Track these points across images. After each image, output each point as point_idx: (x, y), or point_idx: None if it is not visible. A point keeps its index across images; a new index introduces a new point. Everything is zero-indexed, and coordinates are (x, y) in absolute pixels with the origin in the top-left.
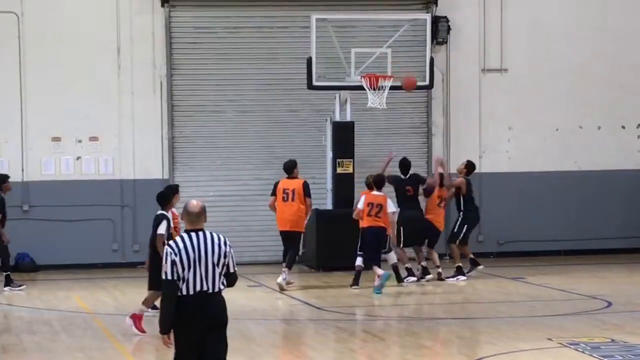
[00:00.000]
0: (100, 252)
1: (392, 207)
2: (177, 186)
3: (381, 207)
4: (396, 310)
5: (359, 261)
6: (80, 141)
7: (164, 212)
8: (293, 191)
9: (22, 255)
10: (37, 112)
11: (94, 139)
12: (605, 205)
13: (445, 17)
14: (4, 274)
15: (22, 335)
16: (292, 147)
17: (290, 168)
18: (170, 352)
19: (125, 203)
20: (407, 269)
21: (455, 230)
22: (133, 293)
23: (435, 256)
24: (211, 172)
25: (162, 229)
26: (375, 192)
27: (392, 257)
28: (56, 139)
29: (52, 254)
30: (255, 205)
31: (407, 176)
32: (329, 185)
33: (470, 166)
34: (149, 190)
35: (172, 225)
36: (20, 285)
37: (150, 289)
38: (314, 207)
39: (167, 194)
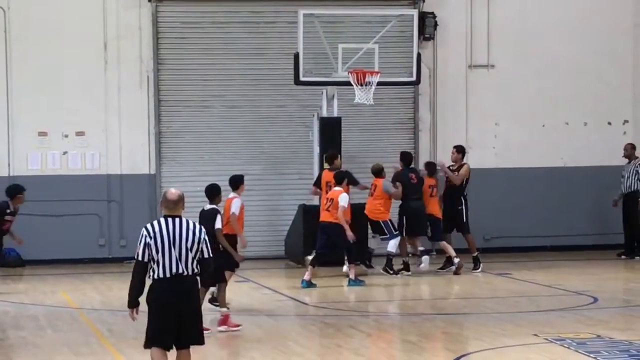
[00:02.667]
0: (87, 247)
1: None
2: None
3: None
4: (382, 305)
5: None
6: (66, 136)
7: (216, 207)
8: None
9: (8, 250)
10: (24, 107)
11: (80, 133)
12: (591, 201)
13: (433, 13)
14: None
15: (8, 330)
16: (279, 142)
17: (330, 158)
18: None
19: (112, 198)
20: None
21: (465, 220)
22: (119, 288)
23: (449, 248)
24: (198, 167)
25: (219, 223)
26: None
27: (392, 245)
28: (42, 134)
29: (38, 249)
30: (243, 200)
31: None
32: None
33: (463, 151)
34: (135, 185)
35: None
36: None
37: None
38: (300, 202)
39: (217, 189)
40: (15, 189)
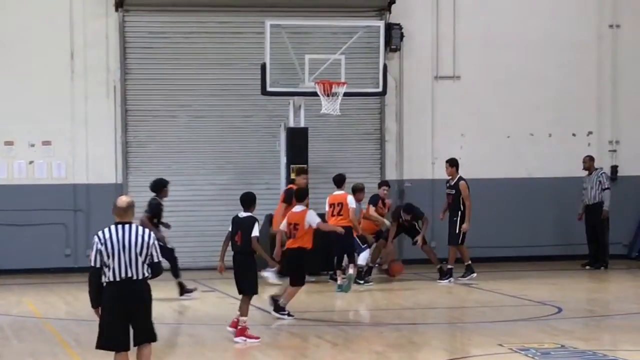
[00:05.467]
0: (53, 257)
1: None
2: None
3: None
4: (349, 315)
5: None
6: (33, 145)
7: (252, 215)
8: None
9: None
10: None
11: (46, 143)
12: (556, 212)
13: (399, 24)
14: None
15: None
16: (246, 152)
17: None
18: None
19: (78, 207)
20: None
21: (457, 231)
22: (85, 298)
23: (463, 256)
24: (165, 177)
25: (256, 231)
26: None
27: (362, 258)
28: (8, 143)
29: (4, 258)
30: (209, 211)
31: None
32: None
33: (457, 163)
34: (102, 194)
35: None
36: None
37: (241, 293)
38: (267, 212)
39: (253, 197)
40: (161, 183)
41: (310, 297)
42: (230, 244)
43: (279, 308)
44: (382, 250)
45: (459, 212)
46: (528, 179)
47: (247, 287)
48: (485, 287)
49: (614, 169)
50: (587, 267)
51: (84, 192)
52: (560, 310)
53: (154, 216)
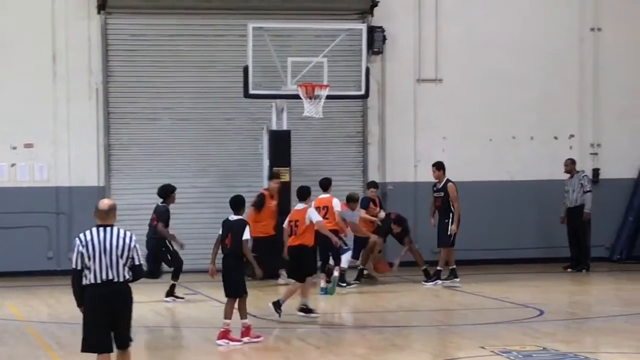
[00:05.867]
0: (35, 260)
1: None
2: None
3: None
4: (331, 318)
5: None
6: (14, 148)
7: (243, 218)
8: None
9: None
10: None
11: (29, 145)
12: (538, 215)
13: (381, 27)
14: None
15: None
16: (228, 155)
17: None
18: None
19: (60, 210)
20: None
21: (448, 233)
22: (68, 301)
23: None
24: (148, 179)
25: (247, 234)
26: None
27: (344, 260)
28: None
29: None
30: (191, 213)
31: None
32: None
33: (443, 166)
34: (84, 197)
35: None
36: None
37: (227, 295)
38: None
39: (242, 198)
40: (170, 189)
41: (293, 299)
42: (220, 247)
43: (305, 309)
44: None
45: (450, 214)
46: (510, 181)
47: (232, 289)
48: (467, 290)
49: (596, 171)
50: (569, 269)
51: (67, 194)
52: (542, 312)
53: (165, 223)
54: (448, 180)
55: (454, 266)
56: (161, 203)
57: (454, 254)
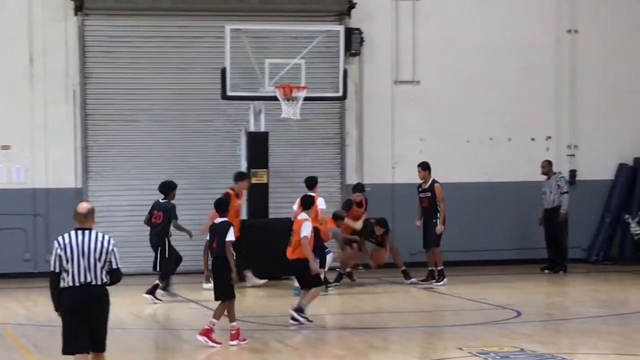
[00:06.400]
0: (12, 262)
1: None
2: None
3: None
4: (310, 319)
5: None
6: None
7: (227, 220)
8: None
9: None
10: None
11: (6, 147)
12: (515, 216)
13: (359, 29)
14: None
15: None
16: (206, 157)
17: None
18: None
19: (37, 212)
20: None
21: (437, 233)
22: (45, 303)
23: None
24: (125, 181)
25: (231, 236)
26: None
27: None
28: None
29: None
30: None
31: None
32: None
33: (429, 167)
34: (62, 199)
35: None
36: None
37: (217, 299)
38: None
39: (227, 201)
40: (171, 185)
41: (271, 301)
42: (210, 252)
43: (299, 309)
44: (343, 258)
45: (438, 215)
46: (487, 183)
47: (221, 292)
48: (445, 291)
49: (573, 173)
50: (546, 271)
51: (44, 196)
52: (519, 314)
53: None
54: (434, 181)
55: (441, 267)
56: (162, 200)
57: (441, 254)
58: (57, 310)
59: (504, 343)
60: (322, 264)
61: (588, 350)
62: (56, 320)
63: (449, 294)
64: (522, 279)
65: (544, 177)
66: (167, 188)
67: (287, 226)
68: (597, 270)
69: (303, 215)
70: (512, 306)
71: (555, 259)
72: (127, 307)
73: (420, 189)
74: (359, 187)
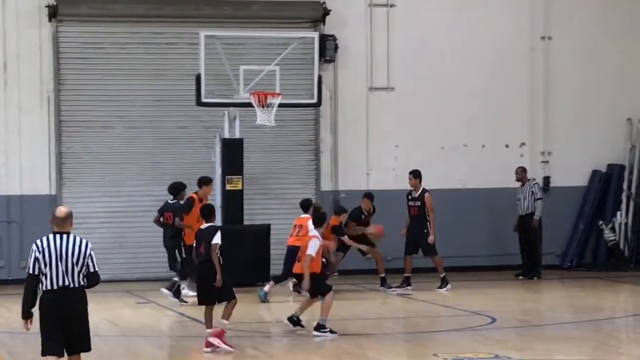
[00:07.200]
0: None
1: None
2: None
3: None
4: (286, 326)
5: None
6: None
7: (214, 225)
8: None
9: None
10: None
11: None
12: (489, 222)
13: (333, 35)
14: None
15: None
16: (181, 163)
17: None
18: None
19: (11, 219)
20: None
21: (430, 242)
22: (19, 310)
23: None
24: (100, 188)
25: (217, 239)
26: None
27: None
28: None
29: None
30: (144, 222)
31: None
32: (218, 202)
33: (420, 175)
34: (36, 206)
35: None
36: None
37: (226, 300)
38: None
39: (212, 207)
40: (181, 186)
41: (247, 308)
42: (196, 257)
43: (318, 326)
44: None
45: (428, 224)
46: (462, 189)
47: (226, 294)
48: (420, 298)
49: (547, 179)
50: (520, 277)
51: (18, 203)
52: (494, 320)
53: (181, 217)
54: (425, 190)
55: (409, 274)
56: (171, 200)
57: (409, 262)
58: (24, 317)
59: (479, 349)
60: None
61: (563, 356)
62: (32, 326)
63: (424, 300)
64: (496, 285)
65: (518, 184)
66: (176, 189)
67: (262, 233)
68: (571, 277)
69: (314, 232)
70: (486, 312)
71: (529, 265)
72: (101, 314)
73: (409, 197)
74: (341, 209)
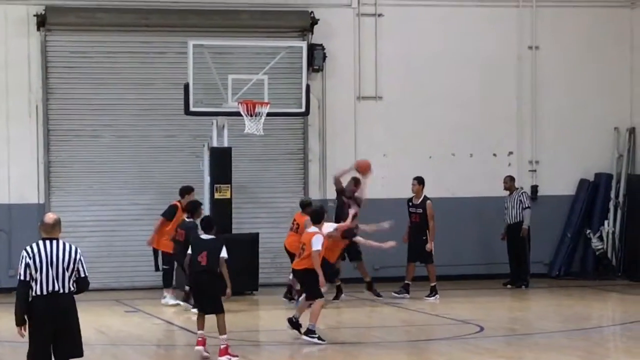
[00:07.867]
0: None
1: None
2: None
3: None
4: (274, 335)
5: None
6: None
7: (218, 237)
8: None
9: None
10: None
11: None
12: (477, 231)
13: (321, 45)
14: None
15: None
16: (169, 172)
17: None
18: None
19: None
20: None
21: (428, 250)
22: (8, 319)
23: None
24: (88, 196)
25: (225, 252)
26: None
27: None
28: None
29: None
30: (132, 230)
31: None
32: (207, 210)
33: (423, 181)
34: (24, 215)
35: None
36: None
37: (216, 312)
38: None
39: (213, 220)
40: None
41: (235, 316)
42: (193, 266)
43: (308, 331)
44: None
45: (427, 231)
46: (450, 198)
47: (219, 306)
48: (408, 307)
49: (534, 188)
50: (509, 285)
51: (6, 212)
52: (482, 329)
53: None
54: (426, 197)
55: (409, 282)
56: (187, 218)
57: (412, 269)
58: (19, 322)
59: (468, 358)
60: (331, 278)
61: None
62: (25, 333)
63: (413, 309)
64: (484, 294)
65: (506, 193)
66: (195, 206)
67: (250, 241)
68: (559, 285)
69: (313, 229)
70: (475, 321)
71: (517, 274)
72: (89, 322)
73: (410, 204)
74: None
